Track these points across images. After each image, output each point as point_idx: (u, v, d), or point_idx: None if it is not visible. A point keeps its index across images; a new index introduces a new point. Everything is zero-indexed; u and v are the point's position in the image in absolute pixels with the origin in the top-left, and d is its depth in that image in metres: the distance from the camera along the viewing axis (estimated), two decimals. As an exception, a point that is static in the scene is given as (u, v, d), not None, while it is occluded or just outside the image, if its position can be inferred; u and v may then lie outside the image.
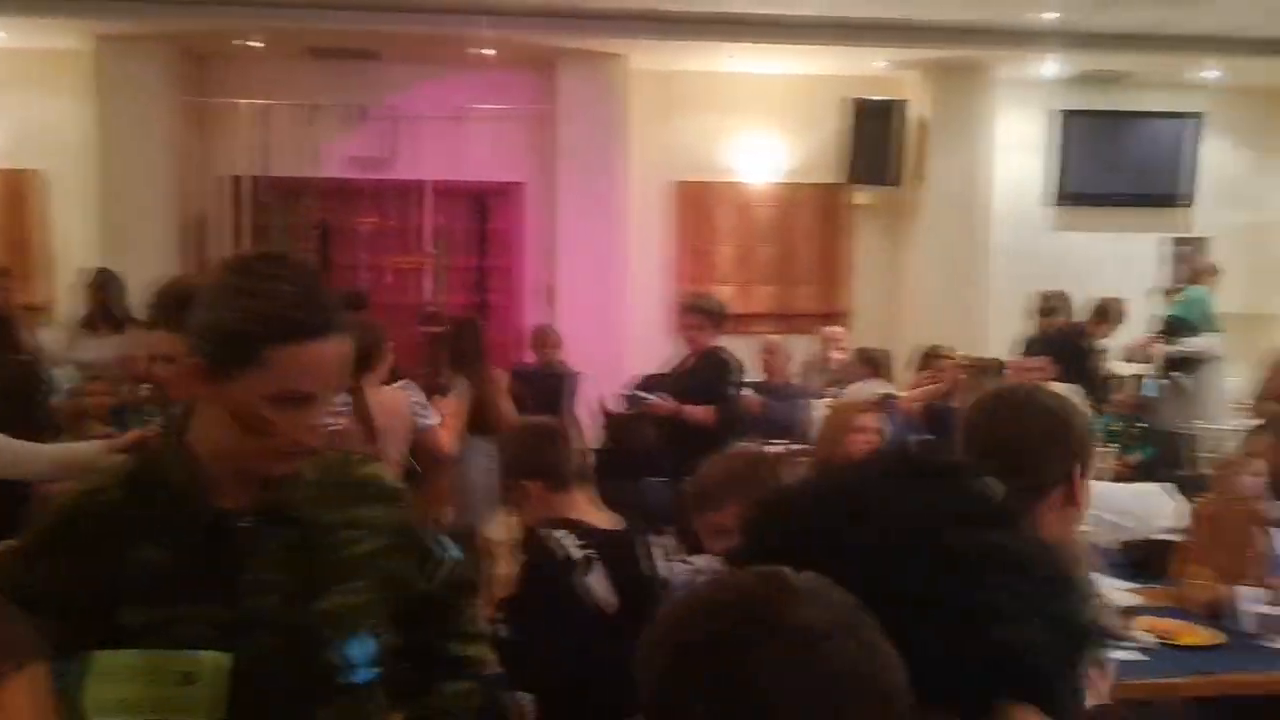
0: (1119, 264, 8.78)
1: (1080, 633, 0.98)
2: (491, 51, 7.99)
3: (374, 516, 1.50)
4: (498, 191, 8.57)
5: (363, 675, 1.44)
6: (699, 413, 5.03)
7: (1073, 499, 1.75)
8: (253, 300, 1.34)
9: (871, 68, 8.52)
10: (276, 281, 1.36)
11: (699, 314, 5.29)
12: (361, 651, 1.43)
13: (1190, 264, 6.96)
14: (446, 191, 8.32)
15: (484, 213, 8.56)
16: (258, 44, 7.81)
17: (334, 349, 1.37)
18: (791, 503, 1.15)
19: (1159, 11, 7.26)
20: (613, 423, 4.89)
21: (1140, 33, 7.83)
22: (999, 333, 8.07)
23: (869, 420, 4.32)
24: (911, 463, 1.16)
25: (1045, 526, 1.75)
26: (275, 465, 1.40)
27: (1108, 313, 7.44)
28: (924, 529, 1.00)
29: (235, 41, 7.77)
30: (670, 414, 4.98)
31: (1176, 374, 5.99)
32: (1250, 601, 3.04)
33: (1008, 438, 1.73)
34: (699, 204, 8.83)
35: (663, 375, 5.47)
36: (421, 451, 4.22)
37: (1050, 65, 8.53)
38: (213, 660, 1.33)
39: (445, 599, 1.62)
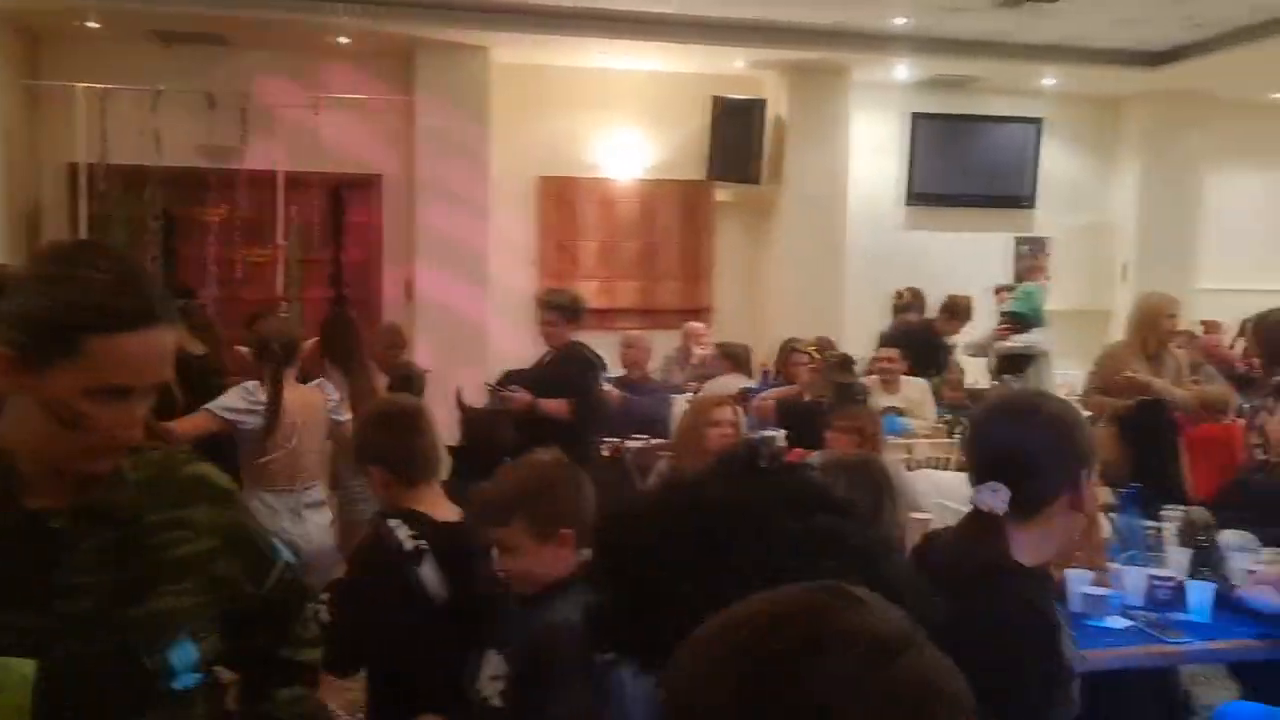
0: (970, 262, 9.15)
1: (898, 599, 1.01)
2: (348, 40, 7.80)
3: (201, 517, 1.44)
4: (354, 183, 8.37)
5: (185, 681, 1.37)
6: (554, 407, 5.03)
7: (1078, 503, 1.78)
8: (69, 288, 1.27)
9: (733, 67, 8.65)
10: (94, 269, 1.29)
11: (554, 310, 5.28)
12: (184, 657, 1.37)
13: (1021, 262, 7.16)
14: (300, 183, 8.07)
15: (340, 205, 8.34)
16: (96, 25, 7.45)
17: (155, 340, 1.30)
18: (649, 508, 1.16)
19: (1003, 20, 7.58)
20: (470, 418, 4.83)
21: (986, 40, 8.16)
22: (856, 329, 8.31)
23: (726, 414, 4.38)
24: (757, 462, 1.18)
25: (1051, 529, 1.78)
26: (93, 463, 1.32)
27: (957, 309, 7.73)
28: (780, 524, 1.03)
29: (73, 22, 7.39)
30: (525, 408, 4.96)
31: (1010, 370, 6.18)
32: (1079, 583, 3.18)
33: (1014, 445, 1.77)
34: (563, 199, 8.82)
35: (524, 371, 5.44)
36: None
37: (903, 69, 8.81)
38: (17, 667, 1.25)
39: (279, 603, 1.57)
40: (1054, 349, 7.03)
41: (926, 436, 5.99)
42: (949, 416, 6.60)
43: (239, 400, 3.97)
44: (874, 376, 6.59)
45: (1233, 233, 9.97)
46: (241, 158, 7.88)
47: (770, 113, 8.70)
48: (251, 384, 4.02)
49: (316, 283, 8.24)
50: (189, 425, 3.83)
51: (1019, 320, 6.97)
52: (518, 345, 7.06)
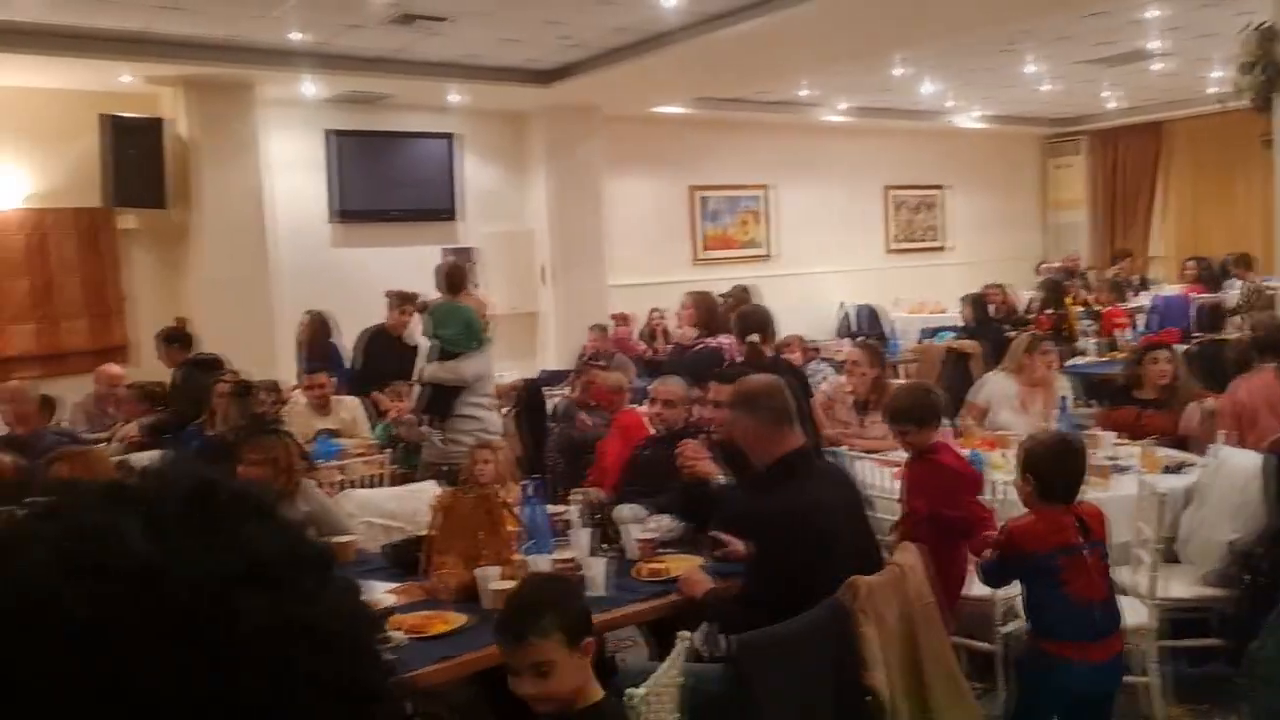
0: (402, 277, 9.06)
1: None
2: None
3: None
4: None
5: None
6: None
7: None
8: None
9: (121, 83, 7.95)
10: None
11: None
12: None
13: (445, 277, 6.13)
14: None
15: None
16: None
17: None
18: None
19: (399, 37, 7.68)
20: None
21: (387, 56, 8.23)
22: (290, 351, 8.05)
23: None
24: None
25: None
26: None
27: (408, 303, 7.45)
28: None
29: None
30: None
31: (437, 407, 5.75)
32: (488, 580, 3.29)
33: None
34: (-74, 235, 7.56)
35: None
36: None
37: (311, 85, 8.63)
38: None
39: None
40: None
41: (360, 455, 5.93)
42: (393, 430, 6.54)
43: None
44: (303, 400, 6.42)
45: (631, 233, 11.10)
46: None
47: (171, 131, 8.13)
48: None
49: None
50: None
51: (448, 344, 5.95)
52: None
